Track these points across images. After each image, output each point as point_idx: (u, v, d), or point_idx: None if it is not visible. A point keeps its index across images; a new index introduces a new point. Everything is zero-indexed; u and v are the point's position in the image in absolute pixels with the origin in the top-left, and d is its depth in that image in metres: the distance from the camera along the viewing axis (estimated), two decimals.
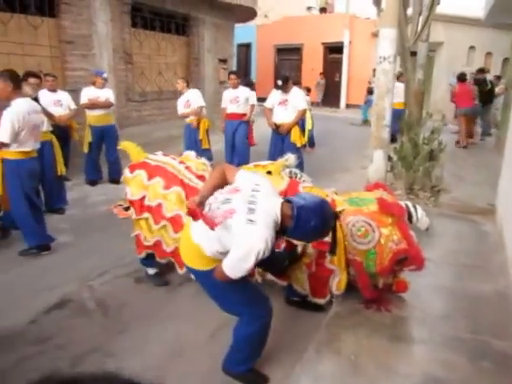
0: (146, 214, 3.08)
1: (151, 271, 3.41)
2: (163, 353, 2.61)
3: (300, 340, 2.73)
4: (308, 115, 8.24)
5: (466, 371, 2.42)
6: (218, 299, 2.31)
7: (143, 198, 3.08)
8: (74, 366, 2.46)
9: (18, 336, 2.73)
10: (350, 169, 7.17)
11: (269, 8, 17.93)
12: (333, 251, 2.26)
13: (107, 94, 6.02)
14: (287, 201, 2.00)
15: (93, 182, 6.17)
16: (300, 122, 7.67)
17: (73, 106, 5.79)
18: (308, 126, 8.40)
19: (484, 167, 7.14)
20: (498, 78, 11.79)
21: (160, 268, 3.43)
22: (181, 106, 6.48)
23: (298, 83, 8.82)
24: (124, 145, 3.44)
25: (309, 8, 19.88)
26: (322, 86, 17.91)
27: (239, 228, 1.87)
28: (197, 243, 2.11)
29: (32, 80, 4.67)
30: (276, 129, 5.93)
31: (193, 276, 2.46)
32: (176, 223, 2.99)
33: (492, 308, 3.10)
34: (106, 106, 6.00)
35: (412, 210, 2.91)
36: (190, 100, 6.40)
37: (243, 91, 6.67)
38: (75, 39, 6.99)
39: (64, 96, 5.72)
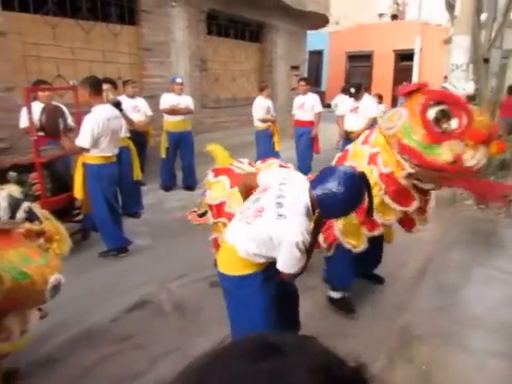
0: (224, 219, 3.04)
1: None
2: None
3: (372, 347, 2.67)
4: None
5: None
6: (239, 316, 2.15)
7: (223, 203, 3.06)
8: (153, 365, 2.53)
9: (101, 334, 2.83)
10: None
11: (340, 15, 17.78)
12: (370, 214, 2.09)
13: (187, 101, 6.10)
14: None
15: (167, 187, 6.28)
16: None
17: (149, 112, 5.89)
18: None
19: None
20: None
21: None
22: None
23: (366, 90, 8.67)
24: (212, 148, 3.41)
25: (380, 15, 19.48)
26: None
27: (271, 226, 1.87)
28: (231, 243, 2.04)
29: (105, 86, 4.51)
30: (347, 136, 5.91)
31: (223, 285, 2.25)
32: None
33: None
34: (187, 112, 6.08)
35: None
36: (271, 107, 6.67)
37: (310, 98, 6.65)
38: (153, 46, 7.17)
39: (141, 102, 5.82)
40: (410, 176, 2.65)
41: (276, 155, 6.36)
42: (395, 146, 2.62)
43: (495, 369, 2.51)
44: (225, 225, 3.06)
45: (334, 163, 3.00)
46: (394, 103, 16.88)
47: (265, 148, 6.66)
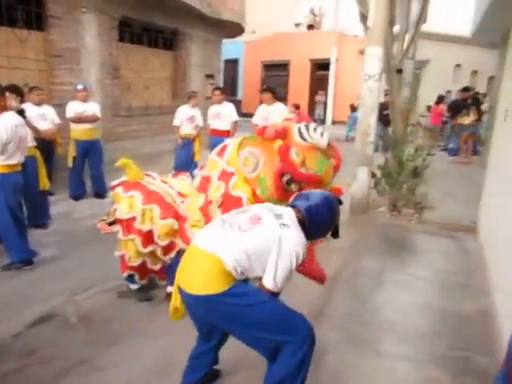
0: (133, 236, 3.03)
1: (134, 286, 3.39)
2: (147, 368, 2.58)
3: None
4: None
5: None
6: (249, 329, 1.89)
7: (133, 218, 3.02)
8: (58, 379, 2.44)
9: (2, 350, 2.71)
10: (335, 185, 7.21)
11: (257, 24, 18.11)
12: (336, 235, 2.16)
13: (94, 108, 6.01)
14: (292, 206, 2.04)
15: (77, 196, 6.11)
16: None
17: (57, 120, 5.71)
18: None
19: (471, 184, 7.25)
20: (483, 95, 12.10)
21: (143, 284, 3.41)
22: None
23: (283, 99, 8.96)
24: (122, 162, 3.31)
25: (297, 24, 20.09)
26: (322, 103, 18.10)
27: (275, 233, 1.83)
28: (218, 255, 1.81)
29: (7, 94, 4.29)
30: None
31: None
32: (168, 249, 3.03)
33: (474, 325, 3.16)
34: (94, 120, 5.98)
35: (304, 130, 2.63)
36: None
37: (226, 107, 6.72)
38: (63, 53, 7.00)
39: (49, 110, 5.65)
40: None
41: (194, 165, 6.35)
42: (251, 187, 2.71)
43: (405, 372, 2.61)
44: (134, 242, 3.04)
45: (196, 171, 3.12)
46: (311, 112, 17.61)
47: (184, 157, 6.66)
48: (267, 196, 2.61)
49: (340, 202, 2.10)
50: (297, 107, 9.37)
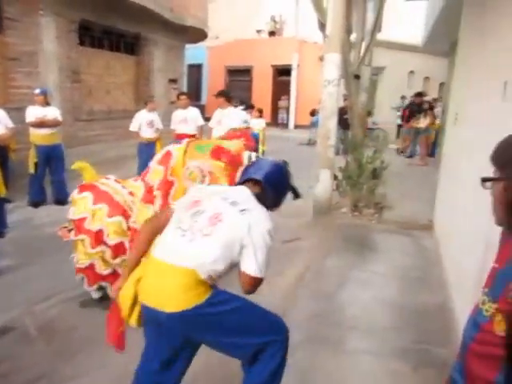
0: (83, 236, 3.05)
1: (96, 295, 3.33)
2: (112, 379, 2.53)
3: None
4: (261, 136, 8.61)
5: (411, 379, 2.59)
6: (234, 337, 1.81)
7: (83, 219, 3.06)
8: None
9: None
10: (298, 188, 7.34)
11: (220, 30, 18.25)
12: (297, 195, 2.19)
13: (54, 113, 5.89)
14: (247, 180, 2.00)
15: (36, 203, 5.92)
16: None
17: (10, 124, 5.49)
18: (262, 146, 8.75)
19: (426, 185, 7.56)
20: (436, 100, 12.67)
21: (105, 292, 3.32)
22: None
23: (251, 107, 9.11)
24: (79, 165, 3.36)
25: (259, 31, 20.36)
26: (285, 108, 18.35)
27: (239, 223, 1.76)
28: (189, 268, 1.71)
29: None
30: None
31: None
32: (117, 250, 3.03)
33: (432, 318, 3.30)
34: (55, 124, 5.86)
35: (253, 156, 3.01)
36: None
37: (192, 112, 6.74)
38: (20, 56, 6.82)
39: (1, 114, 5.42)
40: None
41: None
42: None
43: (369, 367, 2.68)
44: (83, 242, 3.06)
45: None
46: (274, 117, 17.84)
47: (147, 161, 6.53)
48: None
49: (286, 163, 2.13)
50: (260, 112, 9.48)
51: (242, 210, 1.79)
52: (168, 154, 3.10)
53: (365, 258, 4.51)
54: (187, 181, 2.86)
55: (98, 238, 3.02)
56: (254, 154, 3.06)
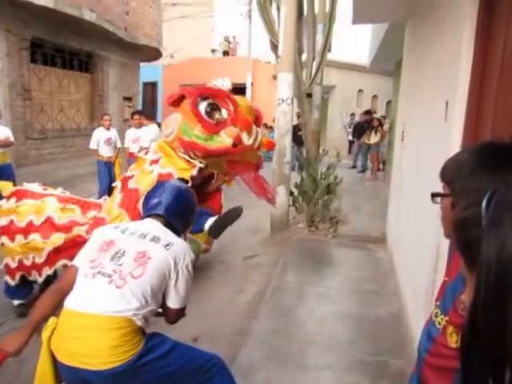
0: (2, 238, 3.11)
1: (16, 302, 3.35)
2: None
3: None
4: None
5: None
6: (180, 379, 1.76)
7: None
8: None
9: None
10: (256, 204, 7.38)
11: (175, 49, 18.31)
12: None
13: (6, 133, 5.67)
14: (148, 216, 1.96)
15: None
16: None
17: None
18: None
19: (378, 198, 7.82)
20: (384, 117, 13.24)
21: (27, 300, 3.33)
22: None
23: None
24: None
25: (213, 51, 20.65)
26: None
27: (167, 258, 1.73)
28: (128, 316, 1.61)
29: None
30: None
31: None
32: (27, 230, 3.04)
33: (389, 330, 3.36)
34: (6, 145, 5.66)
35: None
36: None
37: (146, 131, 6.67)
38: None
39: None
40: (200, 172, 2.97)
41: None
42: (180, 147, 2.86)
43: (328, 382, 2.71)
44: (3, 244, 3.10)
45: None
46: None
47: (106, 179, 6.50)
48: (198, 136, 2.82)
49: (186, 182, 2.20)
50: None
51: (167, 245, 1.77)
52: (170, 176, 3.03)
53: (322, 273, 4.58)
54: (164, 132, 3.02)
55: (10, 228, 3.06)
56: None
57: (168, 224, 1.91)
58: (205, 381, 1.79)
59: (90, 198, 3.59)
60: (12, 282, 3.25)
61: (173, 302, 1.78)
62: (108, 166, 6.60)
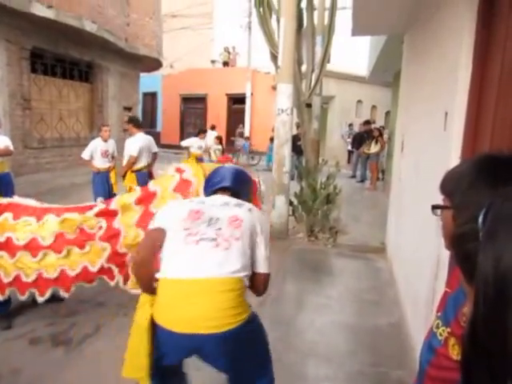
0: (2, 252, 3.05)
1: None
2: None
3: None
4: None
5: None
6: (263, 354, 1.88)
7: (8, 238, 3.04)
8: None
9: None
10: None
11: (174, 59, 18.48)
12: None
13: (5, 142, 5.64)
14: (215, 191, 2.03)
15: None
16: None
17: None
18: None
19: (377, 208, 7.84)
20: (383, 127, 13.31)
21: (6, 312, 3.29)
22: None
23: (203, 132, 9.25)
24: None
25: (213, 61, 20.86)
26: (240, 134, 18.57)
27: (253, 222, 1.81)
28: (240, 276, 1.68)
29: None
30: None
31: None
32: (33, 248, 3.02)
33: (389, 340, 3.35)
34: (5, 154, 5.63)
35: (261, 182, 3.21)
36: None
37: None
38: None
39: None
40: None
41: (113, 197, 6.13)
42: None
43: None
44: (2, 258, 3.03)
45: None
46: (229, 143, 17.99)
47: (102, 190, 6.38)
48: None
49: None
50: (219, 139, 9.63)
51: (249, 209, 1.85)
52: (186, 182, 3.10)
53: (321, 283, 4.57)
54: None
55: (10, 245, 3.02)
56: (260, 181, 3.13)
57: (234, 195, 1.98)
58: (266, 370, 1.88)
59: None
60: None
61: (262, 267, 1.80)
62: (103, 176, 6.42)
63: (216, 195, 1.98)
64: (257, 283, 1.83)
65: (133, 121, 6.12)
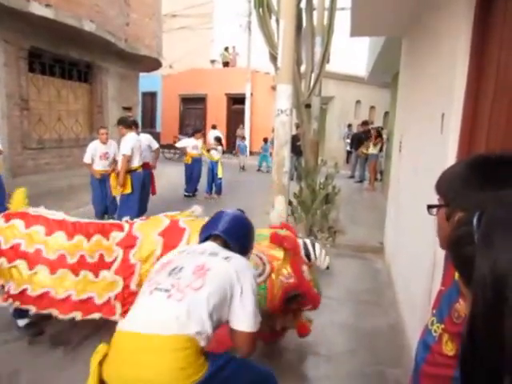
0: (19, 261, 2.97)
1: (21, 322, 3.20)
2: None
3: None
4: (219, 164, 9.08)
5: None
6: None
7: (17, 245, 2.98)
8: None
9: None
10: (255, 214, 7.38)
11: (174, 59, 18.47)
12: None
13: None
14: (208, 237, 1.94)
15: None
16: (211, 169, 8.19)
17: None
18: (219, 174, 9.06)
19: (375, 208, 7.86)
20: (382, 128, 13.34)
21: (32, 317, 3.21)
22: None
23: (197, 131, 9.37)
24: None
25: (212, 61, 20.88)
26: (242, 136, 18.60)
27: (228, 269, 1.64)
28: (192, 334, 1.46)
29: None
30: None
31: None
32: (57, 265, 2.96)
33: (386, 340, 3.38)
34: None
35: (310, 247, 2.96)
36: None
37: (145, 139, 6.68)
38: None
39: None
40: None
41: (111, 200, 6.19)
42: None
43: None
44: (17, 268, 2.95)
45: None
46: (229, 144, 18.03)
47: (101, 192, 6.37)
48: (264, 308, 2.53)
49: (242, 212, 2.13)
50: (219, 141, 9.66)
51: (226, 258, 1.70)
52: (179, 229, 2.97)
53: (321, 283, 4.57)
54: None
55: (37, 257, 2.95)
56: (308, 241, 3.03)
57: (226, 245, 1.86)
58: None
59: (85, 207, 3.53)
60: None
61: (242, 324, 1.57)
62: (102, 180, 6.36)
63: (206, 242, 1.89)
64: (236, 342, 1.61)
65: (121, 122, 6.10)
